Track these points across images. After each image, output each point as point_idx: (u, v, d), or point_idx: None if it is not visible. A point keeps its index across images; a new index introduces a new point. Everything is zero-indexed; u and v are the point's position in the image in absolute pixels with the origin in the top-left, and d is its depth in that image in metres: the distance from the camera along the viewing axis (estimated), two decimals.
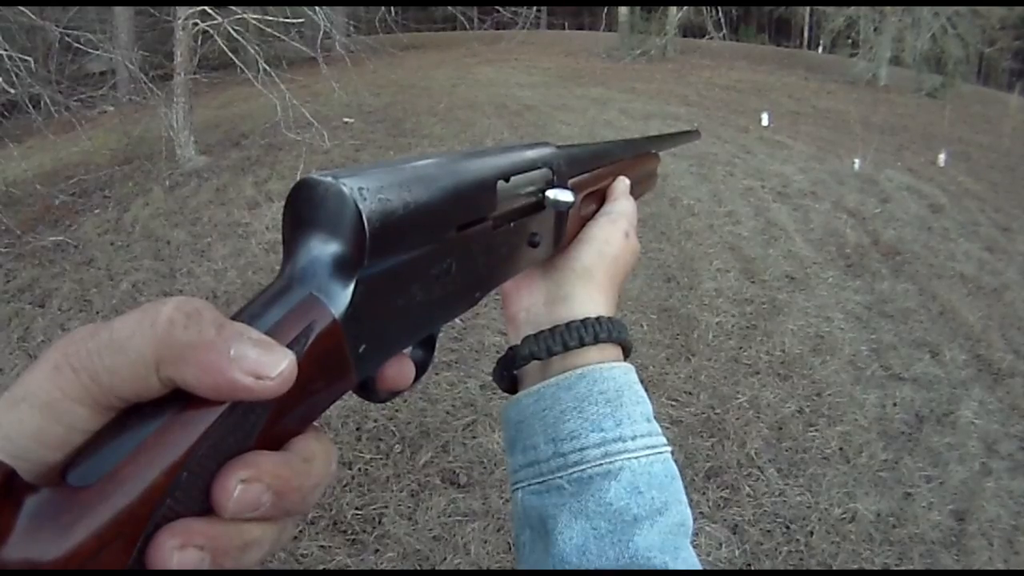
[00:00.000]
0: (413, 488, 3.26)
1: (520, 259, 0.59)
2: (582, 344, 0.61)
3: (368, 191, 0.38)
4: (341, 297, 0.37)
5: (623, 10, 23.29)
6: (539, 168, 0.58)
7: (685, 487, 0.57)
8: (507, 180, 0.52)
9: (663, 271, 5.50)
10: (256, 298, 0.36)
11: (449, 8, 13.98)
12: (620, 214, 0.72)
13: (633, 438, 0.57)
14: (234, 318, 0.33)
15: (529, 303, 0.67)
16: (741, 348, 4.55)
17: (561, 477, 0.57)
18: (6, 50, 6.51)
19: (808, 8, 29.62)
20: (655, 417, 0.61)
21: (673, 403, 3.90)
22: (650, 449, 0.58)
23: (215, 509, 0.30)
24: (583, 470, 0.56)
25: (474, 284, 0.52)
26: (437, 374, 4.02)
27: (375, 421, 3.62)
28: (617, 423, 0.58)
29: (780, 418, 3.88)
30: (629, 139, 0.83)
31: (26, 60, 6.68)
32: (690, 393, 4.03)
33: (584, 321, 0.62)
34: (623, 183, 0.76)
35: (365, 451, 3.45)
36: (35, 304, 5.05)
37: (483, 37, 21.45)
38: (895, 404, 4.11)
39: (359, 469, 3.34)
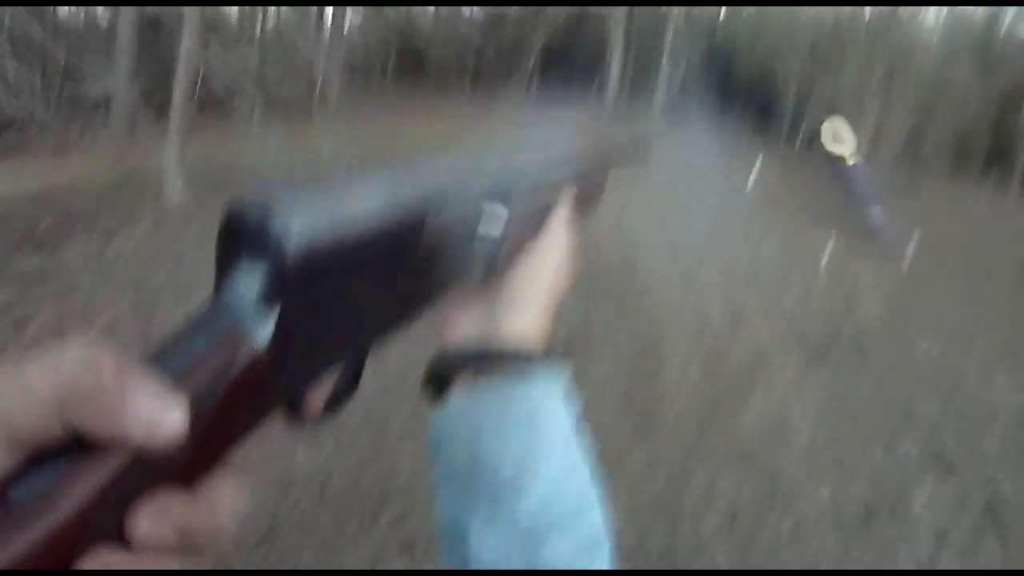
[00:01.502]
0: (372, 552, 3.31)
1: (450, 284, 0.58)
2: (507, 374, 0.62)
3: (294, 219, 0.38)
4: (264, 327, 0.37)
5: (611, 88, 23.77)
6: (473, 190, 0.57)
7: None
8: (439, 205, 0.52)
9: (628, 356, 5.60)
10: (180, 328, 0.36)
11: (444, 77, 14.27)
12: (557, 239, 0.71)
13: (547, 457, 0.59)
14: (158, 347, 0.35)
15: (463, 329, 0.68)
16: (700, 435, 4.63)
17: (476, 491, 0.58)
18: (15, 67, 6.61)
19: (790, 99, 30.18)
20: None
21: (629, 487, 3.98)
22: (566, 466, 0.60)
23: (129, 542, 0.32)
24: (496, 486, 0.57)
25: (401, 312, 0.52)
26: (401, 444, 4.05)
27: (338, 481, 3.67)
28: (531, 441, 0.59)
29: (735, 505, 3.95)
30: (575, 150, 0.78)
31: (32, 80, 6.79)
32: (647, 477, 4.10)
33: (515, 352, 0.63)
34: (563, 205, 0.73)
35: (327, 511, 3.49)
36: (11, 327, 5.06)
37: (475, 106, 21.73)
38: (847, 496, 4.19)
39: (319, 532, 3.38)
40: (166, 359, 0.34)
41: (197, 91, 8.37)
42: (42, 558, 0.28)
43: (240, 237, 0.39)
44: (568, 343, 5.51)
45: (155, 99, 9.65)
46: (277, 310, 0.38)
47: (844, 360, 6.04)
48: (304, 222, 0.39)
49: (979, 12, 27.54)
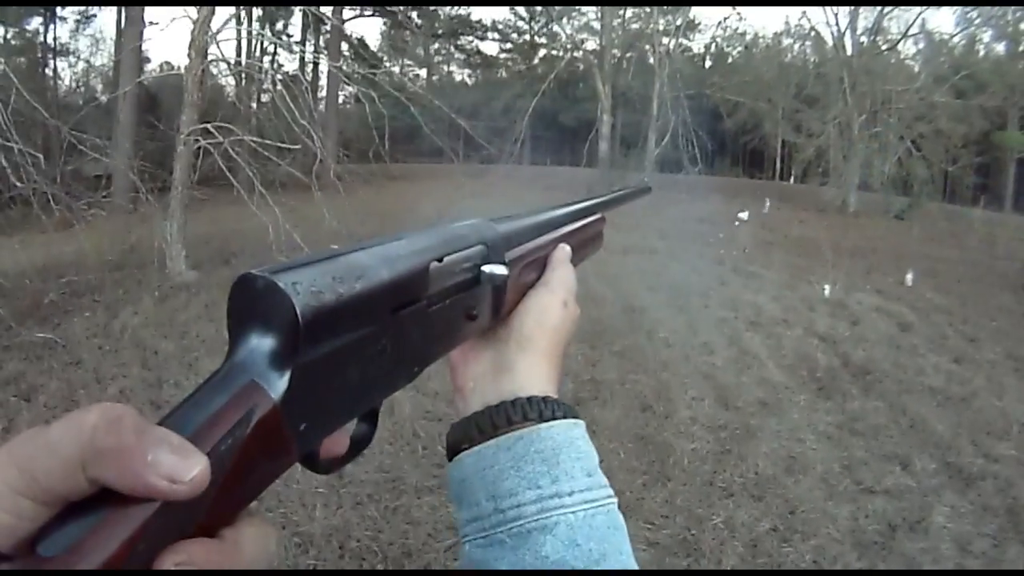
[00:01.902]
0: None
1: (459, 333, 0.61)
2: (526, 419, 0.63)
3: (301, 286, 0.41)
4: (280, 383, 0.40)
5: (603, 147, 24.03)
6: (474, 245, 0.60)
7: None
8: (440, 260, 0.55)
9: (639, 401, 5.66)
10: (201, 386, 0.38)
11: (437, 142, 14.43)
12: (559, 283, 0.74)
13: (570, 493, 0.59)
14: (179, 405, 0.37)
15: (475, 373, 0.69)
16: (716, 472, 4.67)
17: (501, 532, 0.59)
18: (20, 146, 6.75)
19: (779, 140, 30.51)
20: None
21: (650, 526, 4.00)
22: (589, 503, 0.60)
23: None
24: (521, 525, 0.58)
25: (411, 360, 0.54)
26: (419, 498, 4.10)
27: (358, 541, 3.69)
28: (553, 480, 0.60)
29: (754, 536, 3.98)
30: (573, 204, 0.85)
31: (36, 157, 6.92)
32: (666, 516, 4.12)
33: (530, 399, 0.64)
34: (562, 251, 0.78)
35: (349, 568, 3.53)
36: (21, 397, 5.14)
37: (469, 171, 21.96)
38: (867, 516, 4.21)
39: None
40: (188, 414, 0.36)
41: (197, 168, 8.53)
42: None
43: (252, 301, 0.41)
44: (576, 393, 5.58)
45: (156, 174, 9.87)
46: (292, 366, 0.40)
47: (854, 387, 6.09)
48: (312, 284, 0.42)
49: (957, 36, 27.93)
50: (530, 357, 0.68)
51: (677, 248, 11.71)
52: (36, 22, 27.20)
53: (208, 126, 8.08)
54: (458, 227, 0.62)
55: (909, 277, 10.00)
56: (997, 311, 8.89)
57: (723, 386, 6.06)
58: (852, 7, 24.05)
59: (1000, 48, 31.54)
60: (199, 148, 8.23)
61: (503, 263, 0.62)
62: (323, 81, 28.82)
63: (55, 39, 28.66)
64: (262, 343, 0.40)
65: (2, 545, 0.31)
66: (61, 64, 30.60)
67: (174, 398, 5.28)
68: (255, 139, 8.46)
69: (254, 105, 15.49)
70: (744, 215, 13.33)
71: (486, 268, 0.60)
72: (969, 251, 13.01)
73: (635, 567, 0.60)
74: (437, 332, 0.57)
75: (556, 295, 0.73)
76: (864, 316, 8.08)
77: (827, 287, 9.05)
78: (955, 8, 26.18)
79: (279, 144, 8.72)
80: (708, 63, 42.89)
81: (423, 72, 50.51)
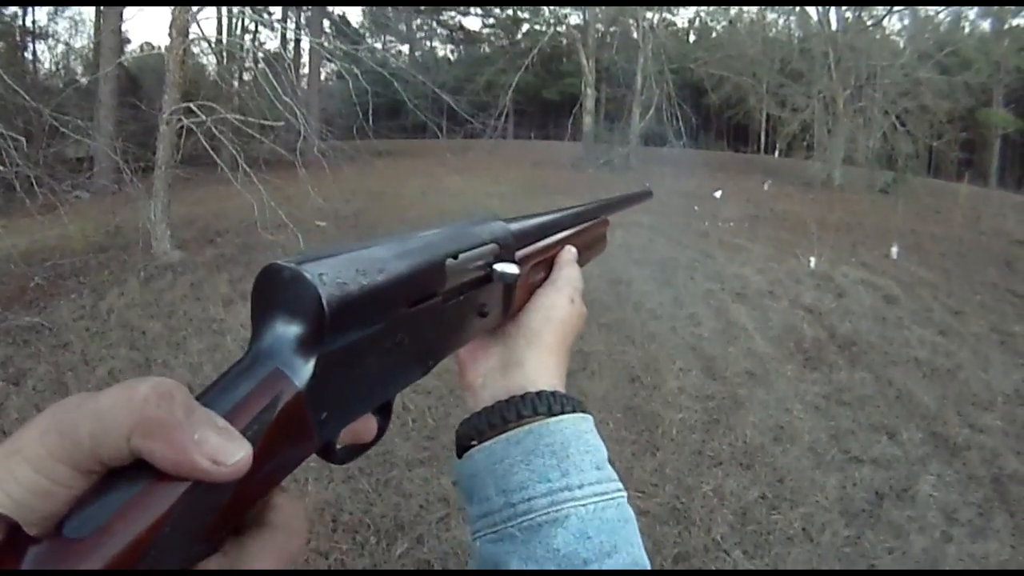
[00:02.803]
0: None
1: (470, 329, 0.62)
2: (535, 413, 0.63)
3: (327, 276, 0.42)
4: (304, 371, 0.40)
5: (587, 120, 23.96)
6: (486, 244, 0.61)
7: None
8: (455, 258, 0.55)
9: (628, 372, 5.67)
10: (226, 372, 0.39)
11: (421, 117, 14.37)
12: (565, 281, 0.75)
13: (580, 486, 0.60)
14: (206, 390, 0.37)
15: (485, 369, 0.70)
16: (704, 441, 4.69)
17: (512, 526, 0.59)
18: (2, 130, 6.69)
19: (764, 114, 30.50)
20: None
21: (640, 495, 4.02)
22: (599, 496, 0.60)
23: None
24: (532, 519, 0.58)
25: (426, 354, 0.55)
26: (411, 470, 4.12)
27: (350, 514, 3.70)
28: (563, 473, 0.60)
29: (744, 504, 4.00)
30: (578, 207, 0.86)
31: (18, 141, 6.86)
32: (656, 485, 4.15)
33: (539, 393, 0.65)
34: (569, 252, 0.80)
35: (341, 542, 3.52)
36: (9, 382, 5.11)
37: (453, 147, 21.91)
38: (855, 484, 4.25)
39: (335, 559, 3.41)
40: (215, 400, 0.37)
41: (180, 147, 8.47)
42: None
43: (278, 291, 0.42)
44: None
45: (139, 155, 9.76)
46: (316, 355, 0.41)
47: (840, 358, 6.12)
48: (337, 275, 0.43)
49: (942, 12, 27.91)
50: (538, 352, 0.69)
51: (662, 222, 11.68)
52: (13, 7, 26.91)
53: (191, 105, 8.01)
54: (471, 225, 0.62)
55: (894, 251, 10.03)
56: (981, 285, 8.93)
57: (710, 357, 6.09)
58: None
59: (985, 26, 31.65)
60: (182, 127, 8.18)
61: (514, 262, 0.64)
62: (305, 58, 28.55)
63: (34, 22, 28.23)
64: (287, 332, 0.41)
65: (36, 509, 0.31)
66: (40, 47, 30.14)
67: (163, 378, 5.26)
68: (238, 117, 8.39)
69: (236, 84, 15.38)
70: (718, 194, 13.31)
71: (498, 266, 0.61)
72: (953, 226, 13.06)
73: (646, 560, 0.60)
74: (450, 327, 0.59)
75: (563, 293, 0.74)
76: (850, 289, 8.11)
77: (813, 260, 9.07)
78: None
79: (262, 122, 8.65)
80: (692, 38, 42.80)
81: (405, 48, 50.30)
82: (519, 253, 0.68)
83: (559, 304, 0.73)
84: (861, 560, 3.59)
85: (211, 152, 8.17)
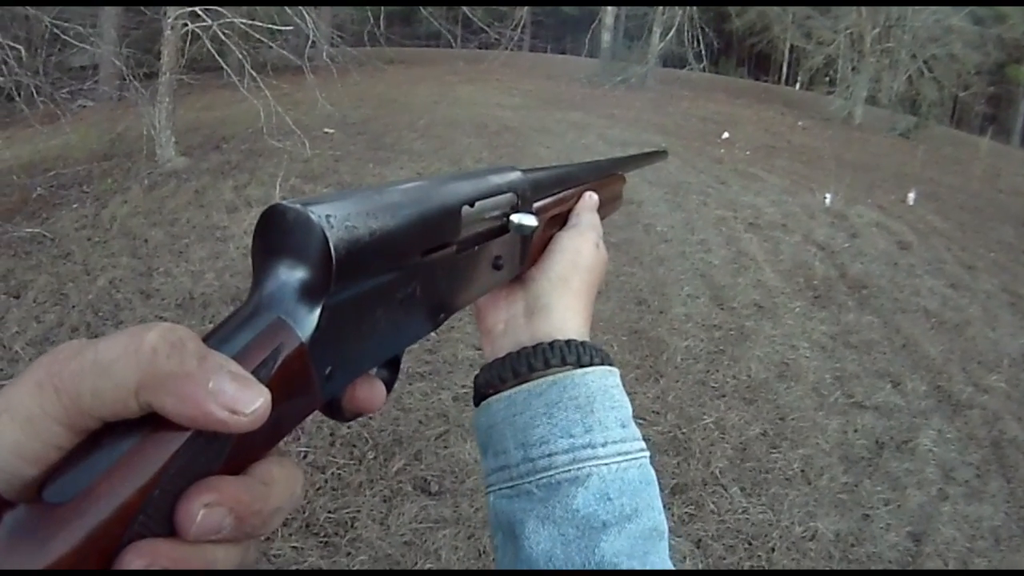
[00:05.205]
0: (385, 494, 3.30)
1: (484, 281, 0.60)
2: (563, 363, 0.61)
3: (335, 219, 0.39)
4: (308, 321, 0.38)
5: (605, 37, 23.57)
6: (504, 193, 0.59)
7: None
8: (472, 205, 0.53)
9: (635, 294, 5.60)
10: (225, 321, 0.37)
11: (435, 25, 14.07)
12: (588, 226, 0.73)
13: (604, 444, 0.57)
14: (204, 340, 0.34)
15: (508, 315, 0.67)
16: (708, 372, 4.65)
17: (530, 482, 0.57)
18: (1, 40, 6.54)
19: (788, 45, 29.98)
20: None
21: (640, 422, 3.90)
22: (623, 455, 0.58)
23: (179, 532, 0.30)
24: (551, 476, 0.56)
25: (438, 307, 0.53)
26: (411, 384, 4.07)
27: (348, 428, 3.66)
28: (587, 429, 0.58)
29: (744, 440, 3.98)
30: (595, 161, 0.84)
31: (16, 49, 6.70)
32: (657, 413, 4.11)
33: (568, 342, 0.62)
34: (591, 199, 0.77)
35: (338, 456, 3.49)
36: (10, 295, 5.04)
37: (466, 56, 21.69)
38: (856, 430, 4.22)
39: (332, 474, 3.38)
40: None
41: (185, 53, 8.25)
42: (102, 537, 0.28)
43: (282, 234, 0.39)
44: None
45: (144, 60, 9.52)
46: (321, 304, 0.38)
47: (849, 299, 6.04)
48: (346, 218, 0.40)
49: None
50: (566, 298, 0.66)
51: (677, 145, 11.51)
52: None
53: (196, 9, 7.74)
54: (488, 173, 0.59)
55: (911, 197, 9.88)
56: (996, 243, 8.80)
57: (719, 286, 6.00)
58: None
59: None
60: (187, 32, 7.92)
61: (532, 213, 0.61)
62: None
63: None
64: (291, 278, 0.39)
65: (22, 474, 0.28)
66: None
67: (164, 286, 5.24)
68: (245, 21, 8.11)
69: None
70: (725, 135, 13.06)
71: (515, 217, 0.59)
72: (973, 179, 12.88)
73: (665, 525, 0.59)
74: (464, 279, 0.56)
75: (587, 237, 0.71)
76: (863, 230, 7.98)
77: (828, 197, 8.93)
78: None
79: (270, 26, 8.40)
80: None
81: None
82: (536, 204, 0.65)
83: (584, 249, 0.70)
84: (857, 508, 3.58)
85: (217, 57, 7.94)
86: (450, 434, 3.72)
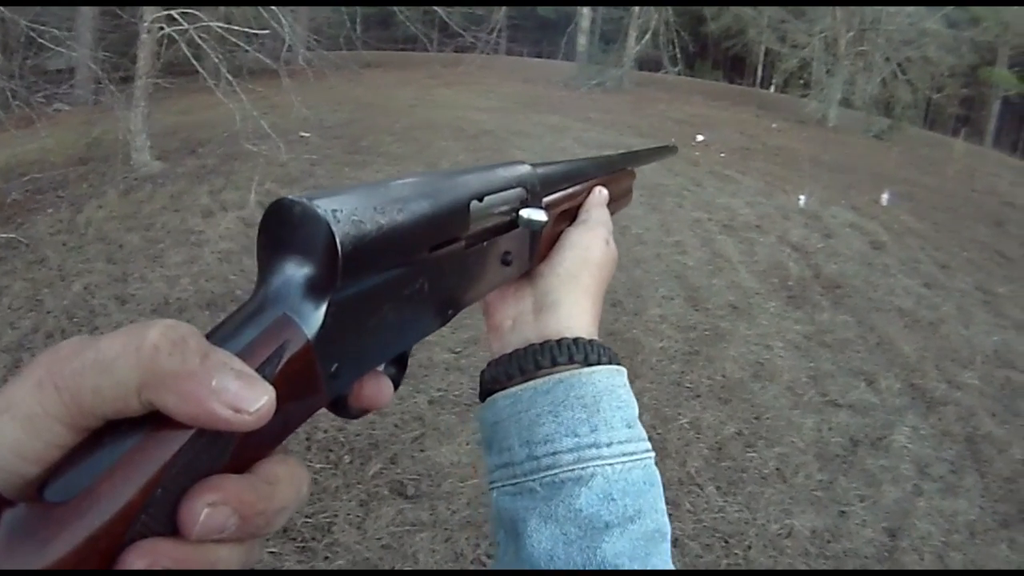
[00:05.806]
0: (362, 498, 3.29)
1: (492, 277, 0.59)
2: (571, 361, 0.61)
3: (342, 213, 0.39)
4: (314, 318, 0.38)
5: (581, 40, 23.65)
6: (513, 187, 0.58)
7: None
8: (480, 200, 0.53)
9: (610, 296, 5.55)
10: (230, 318, 0.36)
11: (411, 29, 14.05)
12: (598, 222, 0.73)
13: (609, 444, 0.57)
14: (209, 336, 0.34)
15: (516, 312, 0.67)
16: (684, 372, 4.66)
17: (534, 480, 0.57)
18: None
19: (763, 48, 30.12)
20: None
21: None
22: (627, 456, 0.58)
23: (182, 532, 0.30)
24: (555, 475, 0.56)
25: (446, 302, 0.52)
26: None
27: (325, 432, 3.65)
28: (592, 429, 0.57)
29: (720, 439, 3.99)
30: (605, 156, 0.84)
31: None
32: None
33: (576, 340, 0.62)
34: (600, 194, 0.77)
35: (315, 460, 3.48)
36: None
37: (443, 59, 21.66)
38: (831, 428, 4.25)
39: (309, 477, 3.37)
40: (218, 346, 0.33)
41: (161, 56, 8.22)
42: (104, 537, 0.28)
43: (287, 229, 0.39)
44: None
45: (120, 64, 9.48)
46: (327, 300, 0.38)
47: (824, 299, 6.08)
48: (353, 212, 0.40)
49: None
50: (575, 295, 0.66)
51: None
52: None
53: (173, 12, 7.72)
54: (497, 168, 0.59)
55: (885, 197, 9.92)
56: (970, 242, 8.85)
57: (694, 287, 6.02)
58: None
59: None
60: (163, 36, 7.89)
61: (542, 208, 0.61)
62: None
63: None
64: (296, 274, 0.38)
65: (23, 474, 0.28)
66: None
67: (139, 291, 5.21)
68: (222, 25, 8.08)
69: None
70: (700, 138, 13.08)
71: (524, 212, 0.59)
72: (947, 180, 12.98)
73: (667, 527, 0.59)
74: (473, 275, 0.56)
75: (597, 233, 0.71)
76: (838, 230, 8.03)
77: (803, 198, 8.96)
78: None
79: (247, 30, 8.37)
80: None
81: None
82: (546, 199, 0.64)
83: (594, 245, 0.70)
84: (833, 505, 3.60)
85: (193, 61, 7.91)
86: (426, 437, 3.72)
